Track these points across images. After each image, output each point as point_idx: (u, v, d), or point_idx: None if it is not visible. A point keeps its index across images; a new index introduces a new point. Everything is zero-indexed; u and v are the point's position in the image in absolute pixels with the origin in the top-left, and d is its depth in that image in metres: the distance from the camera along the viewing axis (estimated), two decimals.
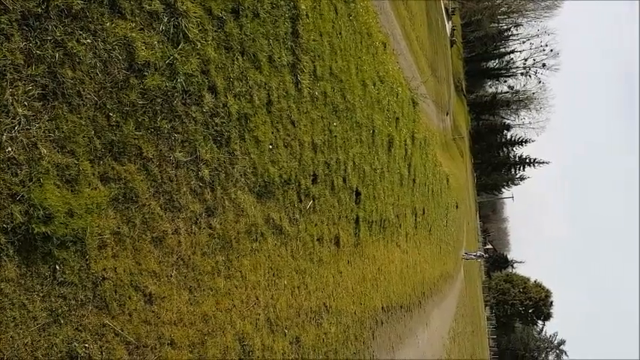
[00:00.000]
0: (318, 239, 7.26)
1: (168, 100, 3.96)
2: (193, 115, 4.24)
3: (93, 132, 3.33)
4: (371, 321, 9.99)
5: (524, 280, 73.99)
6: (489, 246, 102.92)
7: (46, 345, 2.93)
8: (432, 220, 19.23)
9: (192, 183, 4.25)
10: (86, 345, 3.13)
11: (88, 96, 3.30)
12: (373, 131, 9.99)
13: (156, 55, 3.83)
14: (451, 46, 55.92)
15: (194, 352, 4.19)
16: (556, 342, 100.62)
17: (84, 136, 3.25)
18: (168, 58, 3.96)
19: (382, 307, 11.01)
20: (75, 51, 3.15)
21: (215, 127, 4.55)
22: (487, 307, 72.53)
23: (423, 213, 17.03)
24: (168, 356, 3.85)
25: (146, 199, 3.71)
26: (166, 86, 3.94)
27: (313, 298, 7.01)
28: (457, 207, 32.31)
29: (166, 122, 3.92)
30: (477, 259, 40.11)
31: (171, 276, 3.97)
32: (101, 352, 3.23)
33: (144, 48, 3.71)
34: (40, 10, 2.93)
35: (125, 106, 3.58)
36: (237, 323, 4.94)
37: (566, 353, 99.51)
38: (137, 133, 3.66)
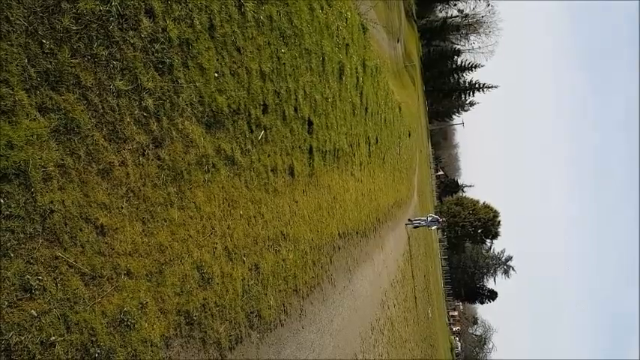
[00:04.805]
0: (272, 170, 7.29)
1: (103, 26, 3.76)
2: (131, 41, 4.04)
3: (26, 60, 3.16)
4: (328, 247, 10.30)
5: (474, 203, 76.90)
6: (441, 172, 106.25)
7: None
8: (385, 148, 19.51)
9: (135, 113, 4.12)
10: (39, 277, 3.12)
11: (18, 22, 3.10)
12: (323, 58, 9.83)
13: None
14: None
15: (152, 280, 4.24)
16: (504, 258, 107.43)
17: (17, 65, 3.09)
18: None
19: (339, 234, 11.33)
20: None
21: (155, 54, 4.36)
22: (439, 230, 75.63)
23: (377, 142, 17.21)
24: (126, 285, 3.89)
25: (88, 129, 3.60)
26: (100, 10, 3.73)
27: (270, 227, 7.12)
28: (410, 135, 32.80)
29: (103, 49, 3.74)
30: (429, 226, 25.88)
31: (122, 208, 3.93)
32: (56, 284, 3.23)
33: None
34: None
35: (58, 32, 3.39)
36: (194, 252, 4.99)
37: (513, 268, 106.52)
38: (73, 60, 3.49)
